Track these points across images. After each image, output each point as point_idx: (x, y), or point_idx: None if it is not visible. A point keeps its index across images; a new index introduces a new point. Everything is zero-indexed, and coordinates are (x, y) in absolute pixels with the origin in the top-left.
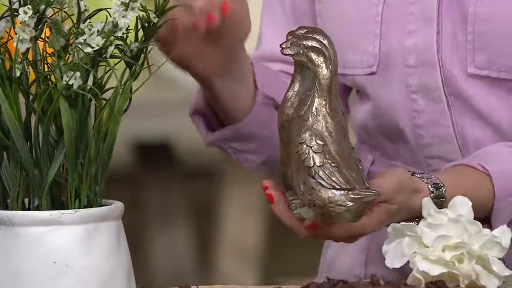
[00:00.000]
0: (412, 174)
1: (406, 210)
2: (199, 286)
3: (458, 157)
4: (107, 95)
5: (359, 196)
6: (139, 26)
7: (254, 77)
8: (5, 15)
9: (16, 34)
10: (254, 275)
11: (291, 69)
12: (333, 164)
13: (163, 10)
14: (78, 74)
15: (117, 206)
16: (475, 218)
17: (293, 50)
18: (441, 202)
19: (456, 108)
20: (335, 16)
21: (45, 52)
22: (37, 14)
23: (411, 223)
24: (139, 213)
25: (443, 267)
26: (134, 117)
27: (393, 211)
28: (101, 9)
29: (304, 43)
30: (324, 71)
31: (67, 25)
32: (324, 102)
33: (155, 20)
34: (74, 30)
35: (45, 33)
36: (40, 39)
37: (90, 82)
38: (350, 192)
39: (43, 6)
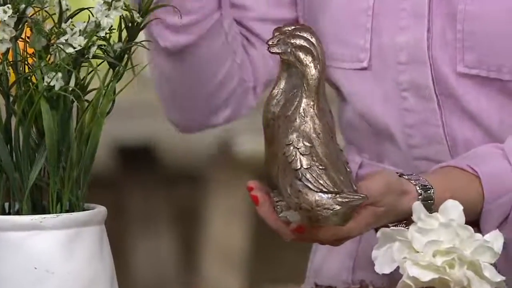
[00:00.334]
0: (400, 176)
1: (393, 213)
2: None
3: (447, 159)
4: (90, 96)
5: (346, 200)
6: (123, 26)
7: None
8: None
9: None
10: (239, 280)
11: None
12: (320, 167)
13: (147, 9)
14: (59, 75)
15: (100, 210)
16: None
17: (280, 49)
18: (429, 204)
19: (447, 108)
20: (322, 6)
21: (25, 53)
22: (17, 13)
23: (401, 227)
24: (121, 217)
25: (434, 272)
26: (117, 119)
27: (380, 214)
28: (83, 8)
29: (292, 41)
30: (312, 71)
31: (48, 25)
32: (312, 103)
33: (139, 20)
34: (56, 30)
35: (25, 33)
36: (20, 39)
37: (72, 83)
38: (338, 195)
39: (23, 5)
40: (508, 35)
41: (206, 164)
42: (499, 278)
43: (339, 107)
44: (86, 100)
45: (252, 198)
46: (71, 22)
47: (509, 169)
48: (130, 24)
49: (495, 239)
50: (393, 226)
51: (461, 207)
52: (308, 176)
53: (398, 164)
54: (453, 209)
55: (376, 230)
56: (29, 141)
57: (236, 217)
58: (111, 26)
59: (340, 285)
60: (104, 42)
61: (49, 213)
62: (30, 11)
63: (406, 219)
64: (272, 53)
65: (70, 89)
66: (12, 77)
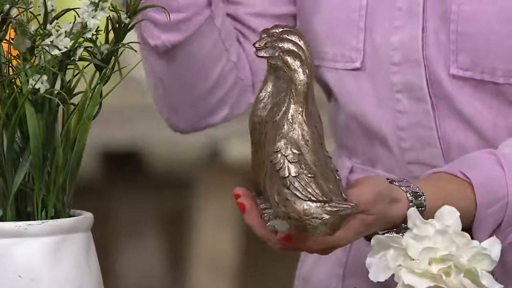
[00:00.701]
0: (390, 182)
1: (383, 221)
2: None
3: (441, 163)
4: (76, 100)
5: (336, 209)
6: (110, 27)
7: None
8: None
9: None
10: None
11: None
12: (309, 175)
13: (134, 10)
14: (45, 77)
15: (86, 217)
16: None
17: (268, 53)
18: (420, 211)
19: (440, 110)
20: (314, 4)
21: (9, 55)
22: (1, 14)
23: (396, 234)
24: (108, 224)
25: (430, 280)
26: (104, 123)
27: (370, 222)
28: (69, 9)
29: (280, 45)
30: (301, 76)
31: (33, 26)
32: (300, 109)
33: (127, 21)
34: (41, 31)
35: (9, 34)
36: (4, 41)
37: (57, 86)
38: (327, 204)
39: (7, 6)
40: (502, 37)
41: (194, 170)
42: (497, 286)
43: (330, 109)
44: (72, 104)
45: (239, 205)
46: (57, 23)
47: (502, 176)
48: (117, 25)
49: (492, 246)
50: (382, 233)
51: (458, 213)
52: (296, 184)
53: (391, 168)
54: (449, 215)
55: (366, 238)
56: (13, 145)
57: (225, 224)
58: (98, 27)
59: None
60: (90, 44)
61: (34, 219)
62: (14, 12)
63: (396, 227)
64: (259, 57)
65: (56, 92)
66: None
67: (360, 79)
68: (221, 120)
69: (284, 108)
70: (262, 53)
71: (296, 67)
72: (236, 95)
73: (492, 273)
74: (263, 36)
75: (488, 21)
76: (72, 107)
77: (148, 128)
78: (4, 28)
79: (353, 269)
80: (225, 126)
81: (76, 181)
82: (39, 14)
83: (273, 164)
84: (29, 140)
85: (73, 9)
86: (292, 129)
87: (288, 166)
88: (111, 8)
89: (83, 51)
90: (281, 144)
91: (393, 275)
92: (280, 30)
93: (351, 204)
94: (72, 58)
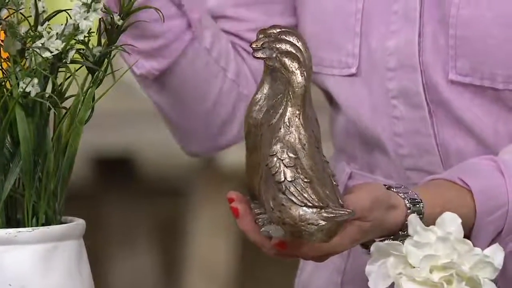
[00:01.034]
0: (388, 188)
1: (380, 228)
2: None
3: (439, 170)
4: (68, 103)
5: (332, 215)
6: (102, 29)
7: None
8: None
9: None
10: None
11: None
12: (305, 180)
13: (128, 12)
14: (35, 80)
15: (78, 223)
16: None
17: (265, 54)
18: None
19: (438, 117)
20: (310, 10)
21: None
22: None
23: (396, 241)
24: (101, 231)
25: None
26: (96, 128)
27: (366, 229)
28: (60, 11)
29: (278, 46)
30: (298, 78)
31: (23, 28)
32: (297, 112)
33: (120, 23)
34: (32, 33)
35: None
36: None
37: (49, 89)
38: (323, 210)
39: None
40: (501, 42)
41: (189, 175)
42: None
43: (330, 114)
44: (64, 107)
45: (232, 210)
46: (48, 25)
47: (502, 183)
48: (110, 27)
49: (495, 253)
50: (379, 241)
51: (459, 220)
52: (292, 189)
53: (390, 174)
54: (451, 222)
55: (362, 245)
56: (3, 150)
57: (220, 231)
58: (90, 29)
59: None
60: (82, 46)
61: (25, 226)
62: (4, 13)
63: (393, 234)
64: (256, 58)
65: (47, 95)
66: None
67: (356, 85)
68: (233, 138)
69: (281, 111)
70: (259, 54)
71: (293, 69)
72: (243, 111)
73: (495, 281)
74: (260, 36)
75: (486, 26)
76: (64, 111)
77: (141, 133)
78: None
79: (352, 276)
80: None
81: (67, 187)
82: (30, 16)
83: (268, 168)
84: (19, 144)
85: (64, 10)
86: (288, 133)
87: (284, 171)
88: (104, 9)
89: (75, 53)
90: (277, 147)
91: (393, 284)
92: (278, 30)
93: (347, 210)
94: (64, 60)
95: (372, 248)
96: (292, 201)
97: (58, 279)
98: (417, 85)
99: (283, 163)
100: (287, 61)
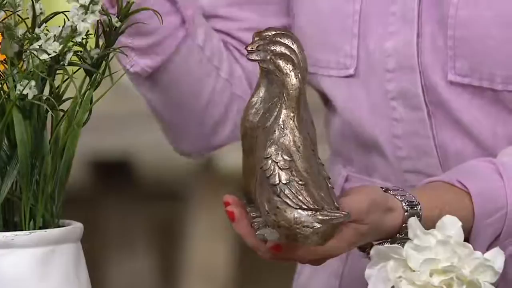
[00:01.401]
0: (385, 191)
1: (377, 231)
2: None
3: (437, 172)
4: (65, 106)
5: (327, 218)
6: (100, 31)
7: None
8: None
9: None
10: None
11: None
12: (300, 182)
13: (126, 14)
14: (33, 83)
15: (76, 227)
16: None
17: (259, 56)
18: None
19: (437, 118)
20: (307, 10)
21: None
22: None
23: (395, 245)
24: (98, 234)
25: None
26: (94, 131)
27: (363, 232)
28: (58, 12)
29: (272, 48)
30: (293, 80)
31: (21, 30)
32: (292, 114)
33: (118, 25)
34: (29, 35)
35: None
36: None
37: (46, 92)
38: (318, 212)
39: None
40: (500, 42)
41: (187, 179)
42: None
43: (326, 116)
44: (61, 110)
45: (228, 214)
46: (45, 26)
47: (501, 186)
48: (108, 29)
49: (495, 257)
50: (377, 244)
51: (460, 223)
52: (287, 191)
53: (387, 177)
54: (451, 226)
55: (360, 248)
56: (0, 153)
57: (218, 235)
58: (88, 31)
59: None
60: (80, 48)
61: (22, 229)
62: (1, 15)
63: (391, 237)
64: (251, 60)
65: (44, 98)
66: None
67: (354, 87)
68: (226, 138)
69: (275, 113)
70: (253, 56)
71: (288, 71)
72: (236, 111)
73: (495, 285)
74: (255, 39)
75: (485, 26)
76: (61, 113)
77: (139, 135)
78: None
79: (350, 280)
80: None
81: (65, 190)
82: (27, 17)
83: (263, 170)
84: (16, 147)
85: (62, 12)
86: (283, 135)
87: (278, 173)
88: (101, 11)
89: (73, 55)
90: (272, 150)
91: (393, 287)
92: (273, 33)
93: (343, 212)
94: (62, 62)
95: (372, 251)
96: (287, 203)
97: (56, 283)
98: (416, 86)
99: (278, 166)
100: (281, 63)
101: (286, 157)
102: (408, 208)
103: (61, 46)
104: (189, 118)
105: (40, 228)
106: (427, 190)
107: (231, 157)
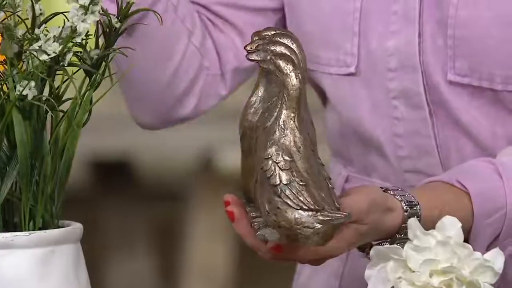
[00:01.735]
0: (384, 191)
1: (377, 231)
2: None
3: (438, 171)
4: (65, 106)
5: (328, 218)
6: (100, 31)
7: None
8: None
9: None
10: None
11: None
12: (301, 183)
13: (125, 14)
14: (32, 83)
15: (75, 227)
16: None
17: (259, 56)
18: None
19: (438, 118)
20: (307, 7)
21: None
22: None
23: (395, 245)
24: (98, 235)
25: None
26: (93, 131)
27: (363, 232)
28: (58, 13)
29: (272, 48)
30: (293, 80)
31: (20, 30)
32: (292, 115)
33: (117, 25)
34: (29, 36)
35: None
36: None
37: (46, 92)
38: (319, 213)
39: None
40: (499, 42)
41: (187, 179)
42: None
43: (325, 115)
44: (61, 111)
45: (228, 213)
46: (45, 27)
47: (500, 186)
48: (107, 30)
49: (495, 258)
50: (376, 244)
51: (459, 224)
52: (287, 192)
53: (387, 177)
54: (451, 226)
55: (359, 248)
56: (0, 153)
57: (218, 235)
58: (88, 32)
59: None
60: (80, 49)
61: (21, 230)
62: (1, 15)
63: (390, 237)
64: (251, 60)
65: (44, 98)
66: None
67: (354, 85)
68: (190, 112)
69: (275, 114)
70: (253, 57)
71: (288, 71)
72: (203, 84)
73: (495, 285)
74: (254, 38)
75: (484, 26)
76: (61, 114)
77: (139, 136)
78: None
79: (350, 281)
80: (218, 135)
81: (65, 190)
82: (27, 18)
83: (263, 171)
84: (16, 148)
85: (62, 12)
86: (283, 135)
87: (279, 174)
88: (101, 12)
89: (73, 56)
90: (272, 150)
91: None
92: (272, 32)
93: (344, 213)
94: (61, 63)
95: (371, 252)
96: (288, 204)
97: (55, 283)
98: (418, 85)
99: (278, 166)
100: (281, 63)
101: (286, 158)
102: (408, 208)
103: (61, 46)
104: (155, 85)
105: (39, 229)
106: (427, 190)
107: (231, 157)
